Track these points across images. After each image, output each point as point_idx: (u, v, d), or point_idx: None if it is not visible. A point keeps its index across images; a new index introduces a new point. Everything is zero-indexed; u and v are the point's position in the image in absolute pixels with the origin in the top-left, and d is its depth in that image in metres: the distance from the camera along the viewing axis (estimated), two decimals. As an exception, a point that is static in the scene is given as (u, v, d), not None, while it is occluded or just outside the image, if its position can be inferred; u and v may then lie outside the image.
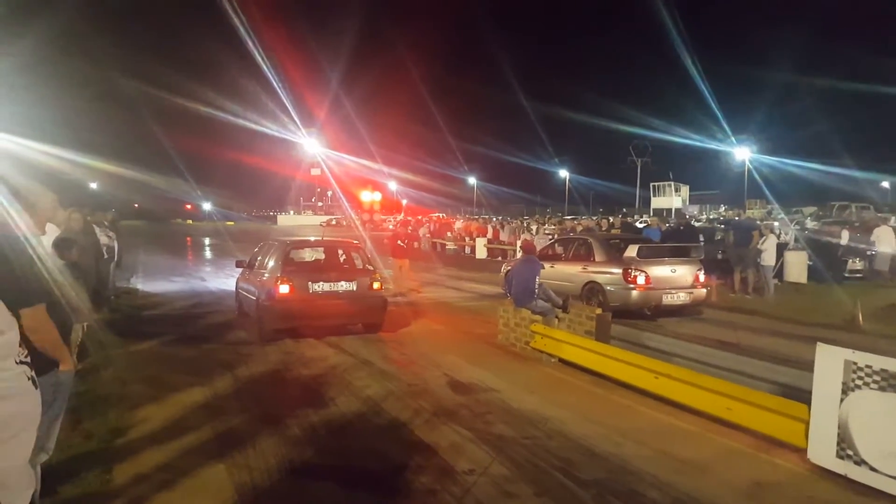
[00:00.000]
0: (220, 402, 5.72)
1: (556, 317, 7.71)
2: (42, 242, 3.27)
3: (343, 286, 8.50)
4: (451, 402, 5.68)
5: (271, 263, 8.65)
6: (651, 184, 57.10)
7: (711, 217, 34.80)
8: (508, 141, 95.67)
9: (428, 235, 28.42)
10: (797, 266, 13.86)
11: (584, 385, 6.37)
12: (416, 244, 23.03)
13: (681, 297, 10.06)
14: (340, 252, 9.74)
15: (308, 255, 10.24)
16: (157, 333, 8.69)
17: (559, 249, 11.72)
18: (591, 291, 10.26)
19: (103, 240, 9.60)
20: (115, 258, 10.55)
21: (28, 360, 2.07)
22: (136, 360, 7.15)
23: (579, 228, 16.59)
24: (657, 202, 54.97)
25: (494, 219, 33.82)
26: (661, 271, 10.04)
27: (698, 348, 7.82)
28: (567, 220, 23.23)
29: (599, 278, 10.23)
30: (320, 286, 8.35)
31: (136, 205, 66.12)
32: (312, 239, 11.82)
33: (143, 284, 14.41)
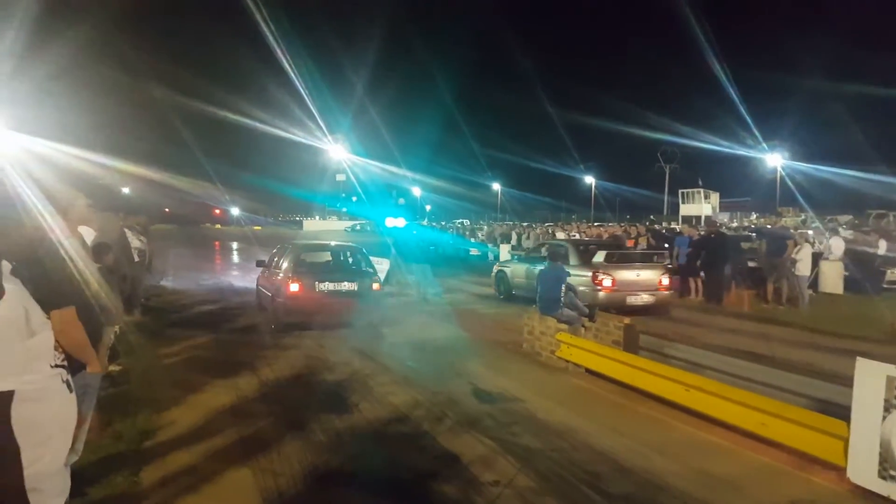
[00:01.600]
0: (245, 405, 5.76)
1: (583, 326, 7.61)
2: (75, 245, 3.31)
3: (346, 286, 9.43)
4: (475, 411, 5.62)
5: (285, 264, 9.62)
6: (680, 190, 56.11)
7: (742, 225, 34.14)
8: (533, 146, 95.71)
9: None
10: (833, 276, 13.50)
11: (611, 396, 6.26)
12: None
13: (644, 298, 11.04)
14: (345, 255, 10.80)
15: (317, 257, 11.02)
16: (185, 336, 8.80)
17: (543, 253, 12.39)
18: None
19: (136, 244, 9.76)
20: (147, 262, 10.72)
21: (65, 363, 2.07)
22: (165, 362, 7.24)
23: (605, 235, 16.40)
24: (686, 209, 54.02)
25: (519, 224, 33.66)
26: (627, 275, 11.06)
27: (730, 360, 7.59)
28: (594, 226, 22.99)
29: (572, 280, 10.23)
30: (326, 285, 9.28)
31: (167, 209, 67.44)
32: (321, 243, 12.94)
33: (172, 287, 14.66)
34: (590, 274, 10.88)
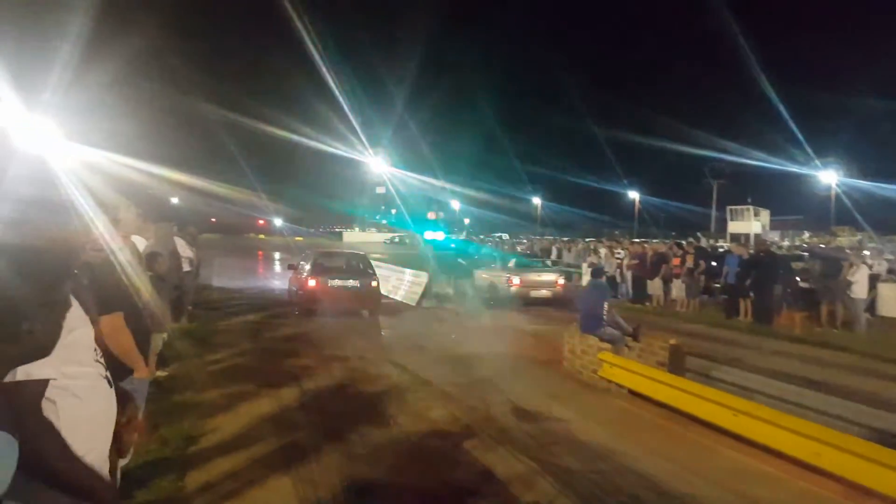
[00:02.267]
0: (286, 413, 5.83)
1: (626, 345, 7.44)
2: (125, 253, 3.42)
3: (350, 283, 12.20)
4: (515, 430, 5.55)
5: (307, 267, 12.52)
6: (728, 207, 54.37)
7: (794, 244, 32.93)
8: (575, 161, 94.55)
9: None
10: (892, 299, 12.88)
11: (655, 419, 6.09)
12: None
13: (543, 293, 15.23)
14: (351, 260, 13.56)
15: (331, 262, 13.42)
16: (229, 344, 8.99)
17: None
18: (491, 287, 15.85)
19: (188, 253, 10.02)
20: (196, 271, 10.99)
21: (102, 359, 2.10)
22: (210, 369, 7.40)
23: (650, 253, 16.07)
24: (734, 226, 52.38)
25: (559, 239, 33.32)
26: (529, 276, 15.57)
27: (781, 385, 7.32)
28: (635, 243, 22.57)
29: (494, 279, 15.91)
30: (336, 282, 12.04)
31: (213, 219, 69.25)
32: (335, 251, 16.27)
33: (218, 296, 15.01)
34: (506, 276, 15.48)
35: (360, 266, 13.09)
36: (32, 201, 1.97)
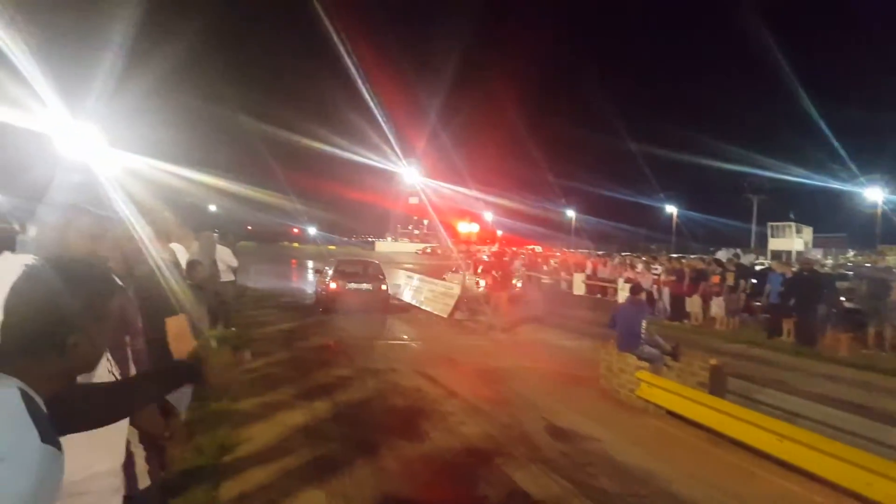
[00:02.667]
0: (319, 425, 5.83)
1: (665, 364, 7.26)
2: (165, 260, 3.46)
3: (364, 286, 14.47)
4: (550, 449, 5.44)
5: (330, 271, 14.98)
6: (769, 223, 52.87)
7: (838, 262, 31.81)
8: (609, 174, 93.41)
9: (522, 268, 28.11)
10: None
11: (695, 441, 5.91)
12: (514, 275, 22.80)
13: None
14: (366, 267, 15.81)
15: (349, 268, 15.59)
16: (264, 352, 9.06)
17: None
18: None
19: (232, 262, 10.18)
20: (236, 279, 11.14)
21: (115, 370, 2.08)
22: (245, 378, 7.45)
23: (687, 270, 15.74)
24: (775, 243, 50.89)
25: (594, 253, 32.85)
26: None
27: (827, 410, 7.03)
28: (673, 258, 22.12)
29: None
30: (352, 285, 14.31)
31: (249, 227, 70.50)
32: (353, 259, 18.30)
33: (253, 304, 15.23)
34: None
35: (373, 272, 15.40)
36: (78, 208, 1.98)
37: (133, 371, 2.22)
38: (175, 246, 6.71)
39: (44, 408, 1.19)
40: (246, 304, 14.67)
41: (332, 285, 14.16)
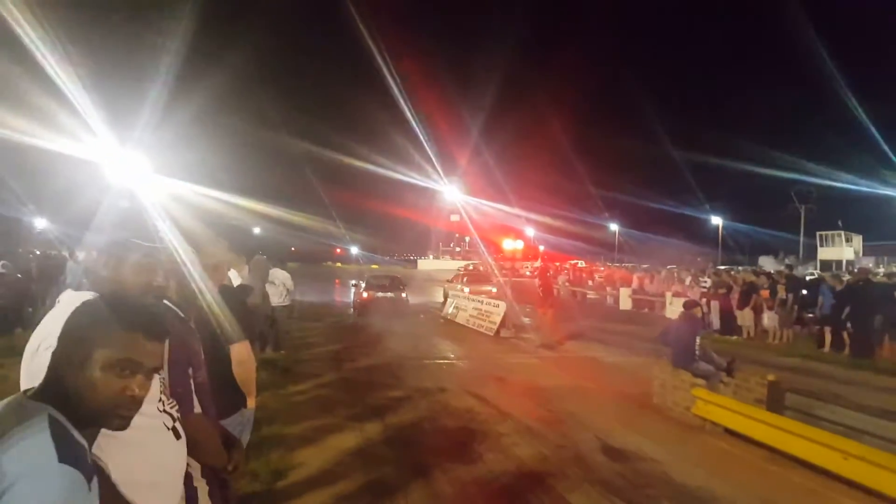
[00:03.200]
0: (371, 448, 5.84)
1: (721, 381, 7.04)
2: (211, 287, 3.54)
3: (389, 294, 18.67)
4: (606, 470, 5.32)
5: (363, 284, 19.65)
6: (818, 233, 51.01)
7: (891, 271, 30.27)
8: (653, 185, 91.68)
9: (567, 283, 27.79)
10: None
11: (756, 460, 5.69)
12: (555, 291, 22.56)
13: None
14: (392, 279, 20.39)
15: (378, 280, 20.30)
16: (313, 373, 9.19)
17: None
18: None
19: (289, 284, 10.34)
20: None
21: (174, 410, 2.04)
22: (296, 400, 7.56)
23: (738, 281, 15.30)
24: (825, 253, 49.06)
25: (640, 267, 32.21)
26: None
27: (890, 425, 6.69)
28: (722, 271, 21.50)
29: None
30: (381, 294, 18.56)
31: (293, 248, 71.90)
32: (382, 274, 24.42)
33: (300, 324, 15.45)
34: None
35: (395, 284, 19.78)
36: (126, 244, 2.02)
37: (197, 406, 2.24)
38: (232, 273, 6.89)
39: (76, 434, 1.26)
40: (294, 325, 14.91)
41: (364, 294, 18.64)
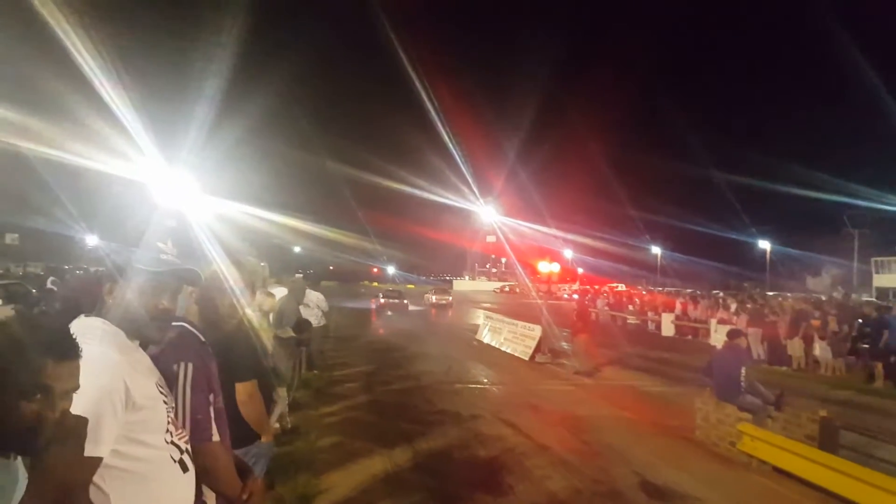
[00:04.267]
0: (400, 474, 5.71)
1: (769, 416, 6.67)
2: (255, 314, 3.49)
3: (395, 300, 32.32)
4: (645, 508, 5.05)
5: (380, 294, 34.24)
6: (872, 259, 48.84)
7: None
8: (696, 208, 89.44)
9: (606, 308, 27.23)
10: None
11: (807, 502, 5.33)
12: (592, 316, 22.09)
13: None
14: (399, 291, 35.51)
15: (389, 293, 34.17)
16: (345, 395, 9.11)
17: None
18: None
19: (323, 306, 10.36)
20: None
21: (182, 442, 1.95)
22: (326, 423, 7.47)
23: (787, 309, 14.69)
24: (880, 280, 46.81)
25: (684, 292, 31.33)
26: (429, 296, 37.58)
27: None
28: (771, 296, 20.73)
29: None
30: (388, 300, 32.24)
31: (331, 267, 72.78)
32: (393, 287, 41.36)
33: (334, 346, 15.48)
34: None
35: (401, 295, 32.86)
36: (126, 263, 1.95)
37: (215, 433, 2.18)
38: (277, 289, 6.93)
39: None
40: (328, 344, 14.93)
41: (381, 300, 31.86)
